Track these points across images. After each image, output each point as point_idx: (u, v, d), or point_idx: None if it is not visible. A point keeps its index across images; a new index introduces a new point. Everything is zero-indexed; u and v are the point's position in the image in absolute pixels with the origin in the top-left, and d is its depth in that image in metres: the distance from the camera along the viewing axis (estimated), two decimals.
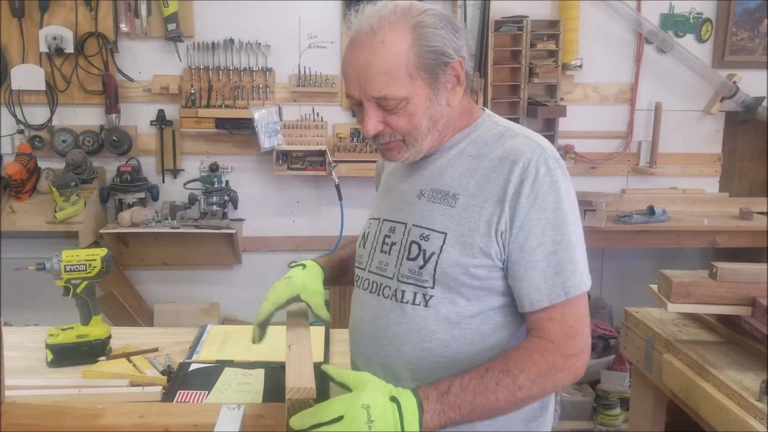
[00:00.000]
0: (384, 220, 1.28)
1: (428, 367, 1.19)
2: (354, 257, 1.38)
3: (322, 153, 3.35)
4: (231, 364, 1.62)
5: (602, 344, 3.27)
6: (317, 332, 1.79)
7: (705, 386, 1.57)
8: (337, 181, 3.33)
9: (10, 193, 3.22)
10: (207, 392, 1.47)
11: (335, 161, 3.37)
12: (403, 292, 1.20)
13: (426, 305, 1.18)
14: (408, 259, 1.20)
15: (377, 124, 1.17)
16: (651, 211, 3.32)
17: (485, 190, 1.16)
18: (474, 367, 1.10)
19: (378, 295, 1.24)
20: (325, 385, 1.49)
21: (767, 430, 1.37)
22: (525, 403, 1.13)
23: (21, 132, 3.36)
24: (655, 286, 1.80)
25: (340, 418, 1.00)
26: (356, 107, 1.21)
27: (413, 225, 1.21)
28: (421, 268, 1.18)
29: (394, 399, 1.03)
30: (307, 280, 1.34)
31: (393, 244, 1.24)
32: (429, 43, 1.14)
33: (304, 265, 1.37)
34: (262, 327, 1.34)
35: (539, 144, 1.17)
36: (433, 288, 1.17)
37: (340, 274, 1.45)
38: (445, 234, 1.17)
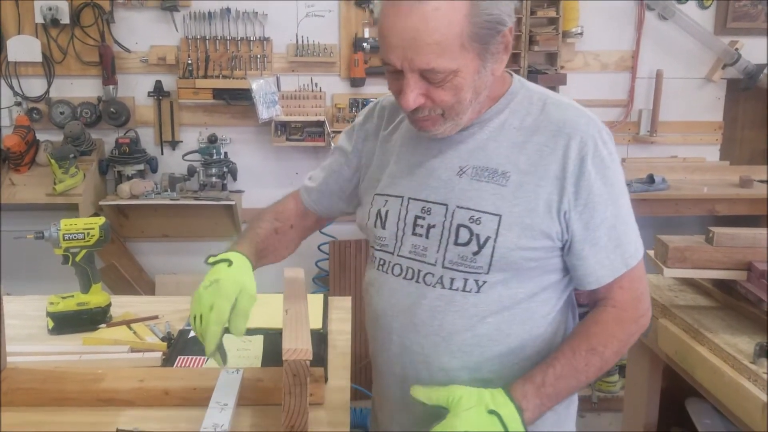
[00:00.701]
0: (411, 198, 1.16)
1: (478, 353, 1.13)
2: (269, 234, 1.31)
3: (321, 124, 3.34)
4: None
5: None
6: (316, 300, 1.80)
7: (700, 350, 1.58)
8: None
9: (9, 165, 3.22)
10: (206, 358, 1.48)
11: (334, 132, 3.35)
12: (452, 279, 1.12)
13: (478, 291, 1.11)
14: (456, 244, 1.11)
15: (418, 98, 1.06)
16: (651, 179, 3.32)
17: (540, 166, 1.09)
18: (559, 351, 1.10)
19: (417, 282, 1.15)
20: (322, 350, 1.51)
21: (761, 392, 1.38)
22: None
23: (18, 104, 3.34)
24: (652, 252, 1.80)
25: None
26: (391, 74, 1.08)
27: (457, 206, 1.12)
28: (474, 254, 1.10)
29: (492, 412, 1.01)
30: (239, 278, 1.14)
31: (431, 226, 1.14)
32: (486, 10, 1.01)
33: (229, 261, 1.17)
34: (220, 350, 1.17)
35: (590, 116, 1.13)
36: (487, 274, 1.10)
37: (260, 260, 1.29)
38: (500, 216, 1.09)
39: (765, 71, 3.47)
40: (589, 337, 1.12)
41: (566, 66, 3.49)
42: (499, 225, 1.09)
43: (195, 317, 1.13)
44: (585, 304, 1.22)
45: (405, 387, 1.13)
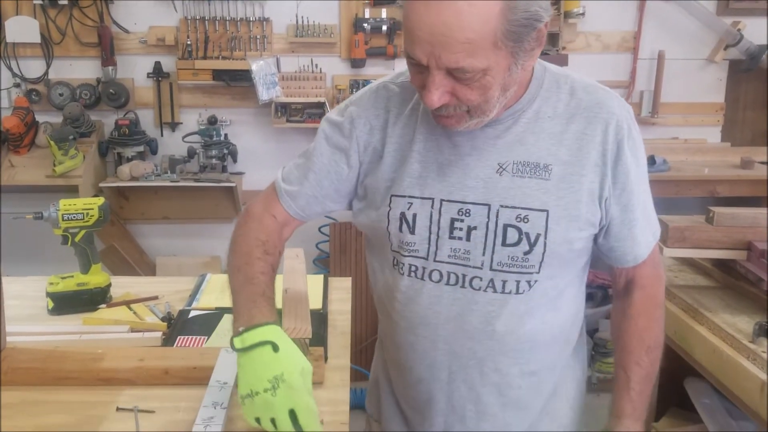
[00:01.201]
0: (443, 200, 1.10)
1: (528, 348, 1.14)
2: (273, 278, 1.15)
3: (321, 105, 3.32)
4: (230, 311, 1.63)
5: (601, 294, 3.30)
6: (316, 280, 1.80)
7: (699, 329, 1.58)
8: None
9: (8, 147, 3.22)
10: (206, 338, 1.49)
11: None
12: (503, 282, 1.09)
13: (530, 290, 1.10)
14: (504, 245, 1.07)
15: (444, 95, 0.99)
16: (651, 160, 3.30)
17: (581, 156, 1.07)
18: (628, 370, 1.18)
19: (463, 287, 1.11)
20: (322, 330, 1.51)
21: (760, 371, 1.39)
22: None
23: (17, 86, 3.33)
24: None
25: None
26: (414, 67, 1.01)
27: (501, 206, 1.07)
28: (526, 253, 1.07)
29: None
30: (297, 361, 1.01)
31: (472, 228, 1.08)
32: (523, 7, 0.93)
33: (275, 346, 0.99)
34: None
35: (617, 96, 1.13)
36: (538, 273, 1.08)
37: None
38: (547, 211, 1.06)
39: (767, 52, 3.44)
40: (642, 339, 1.19)
41: (568, 47, 3.46)
42: (547, 221, 1.06)
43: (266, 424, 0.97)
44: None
45: (453, 394, 1.17)
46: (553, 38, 3.40)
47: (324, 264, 3.49)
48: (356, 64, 3.37)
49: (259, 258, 1.14)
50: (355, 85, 3.40)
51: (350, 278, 1.91)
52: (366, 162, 1.17)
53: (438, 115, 1.04)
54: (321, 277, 1.86)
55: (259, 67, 3.25)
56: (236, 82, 3.30)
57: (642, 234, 1.14)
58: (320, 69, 3.40)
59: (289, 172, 1.23)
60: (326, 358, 1.40)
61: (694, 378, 1.90)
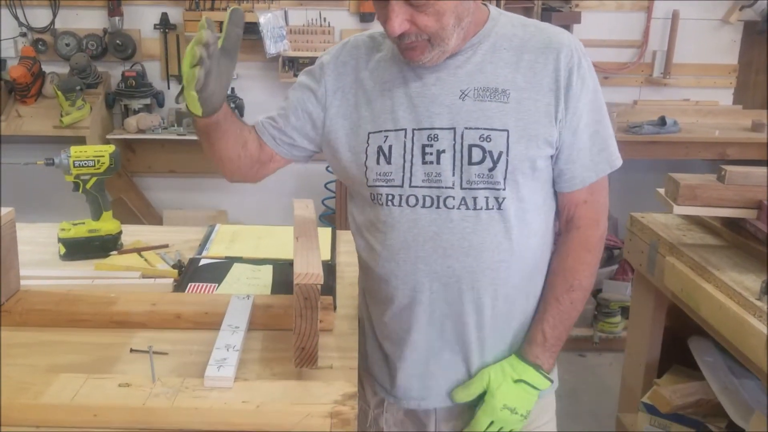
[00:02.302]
0: (415, 129, 1.18)
1: (504, 269, 1.19)
2: (236, 131, 1.28)
3: None
4: (240, 260, 1.65)
5: (606, 254, 3.31)
6: (324, 233, 1.81)
7: (706, 287, 1.58)
8: None
9: (15, 96, 3.20)
10: (217, 285, 1.50)
11: None
12: (474, 198, 1.16)
13: (499, 208, 1.16)
14: (471, 164, 1.15)
15: (403, 23, 1.09)
16: (662, 121, 3.28)
17: (535, 81, 1.16)
18: (546, 303, 1.25)
19: (438, 207, 1.17)
20: (330, 281, 1.53)
21: (765, 327, 1.39)
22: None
23: (24, 35, 3.31)
24: (662, 190, 1.79)
25: (492, 423, 1.21)
26: (378, 2, 1.13)
27: (465, 128, 1.16)
28: (491, 170, 1.15)
29: (519, 381, 1.21)
30: None
31: (441, 152, 1.16)
32: None
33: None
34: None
35: (567, 32, 1.21)
36: (504, 189, 1.16)
37: (225, 121, 1.25)
38: (507, 131, 1.15)
39: None
40: (566, 277, 1.24)
41: (581, 4, 3.42)
42: (508, 139, 1.15)
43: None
44: None
45: (435, 313, 1.22)
46: None
47: (330, 220, 3.50)
48: (365, 18, 3.33)
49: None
50: None
51: None
52: (335, 105, 1.26)
53: (404, 49, 1.14)
54: (329, 230, 1.87)
55: (267, 19, 3.21)
56: (244, 35, 3.24)
57: (591, 159, 1.21)
58: (328, 23, 3.36)
59: (269, 113, 1.37)
60: (335, 307, 1.41)
61: (697, 336, 1.91)
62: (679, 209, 1.68)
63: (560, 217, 1.28)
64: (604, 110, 1.23)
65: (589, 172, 1.22)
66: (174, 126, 3.30)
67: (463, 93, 1.17)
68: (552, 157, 1.20)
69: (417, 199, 1.18)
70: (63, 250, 1.62)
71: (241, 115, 3.39)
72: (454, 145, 1.16)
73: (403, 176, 1.19)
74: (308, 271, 1.09)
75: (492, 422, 1.21)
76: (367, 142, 1.21)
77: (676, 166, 3.55)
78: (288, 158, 1.37)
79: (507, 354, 1.26)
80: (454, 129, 1.16)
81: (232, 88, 3.36)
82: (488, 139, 1.14)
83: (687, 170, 3.66)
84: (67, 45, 3.29)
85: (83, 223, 1.65)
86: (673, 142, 3.28)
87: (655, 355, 2.01)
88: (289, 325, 1.28)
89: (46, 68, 3.30)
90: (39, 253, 1.66)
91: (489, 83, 1.16)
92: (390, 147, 1.19)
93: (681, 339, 1.97)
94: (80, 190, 1.63)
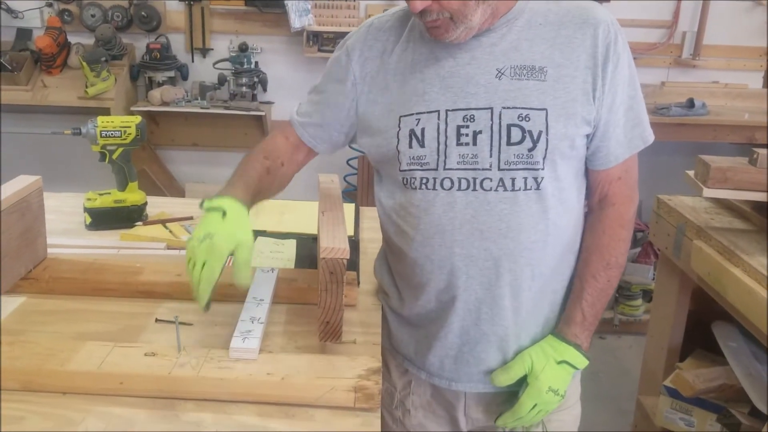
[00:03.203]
0: (448, 110, 1.15)
1: (540, 249, 1.17)
2: (261, 175, 1.24)
3: None
4: (264, 233, 1.65)
5: None
6: (348, 208, 1.80)
7: (734, 271, 1.56)
8: None
9: (41, 67, 3.22)
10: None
11: None
12: (512, 179, 1.13)
13: (537, 188, 1.14)
14: (509, 144, 1.12)
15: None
16: (690, 103, 3.23)
17: (572, 58, 1.14)
18: (584, 281, 1.23)
19: (474, 190, 1.14)
20: (354, 256, 1.52)
21: None
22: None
23: (50, 5, 3.31)
24: (691, 172, 1.76)
25: (535, 405, 1.20)
26: None
27: (503, 108, 1.12)
28: (530, 150, 1.12)
29: (561, 362, 1.20)
30: (234, 233, 1.07)
31: (478, 132, 1.13)
32: None
33: (222, 211, 1.09)
34: (207, 307, 1.08)
35: (603, 7, 1.18)
36: (543, 169, 1.13)
37: (254, 203, 1.21)
38: (546, 110, 1.12)
39: None
40: (602, 254, 1.23)
41: None
42: (547, 118, 1.12)
43: (189, 265, 1.07)
44: None
45: (471, 297, 1.19)
46: None
47: (351, 197, 3.50)
48: None
49: (256, 159, 1.27)
50: None
51: None
52: (365, 92, 1.24)
53: (428, 27, 1.12)
54: (353, 206, 1.86)
55: None
56: (269, 9, 3.25)
57: (625, 135, 1.19)
58: None
59: (302, 106, 1.35)
60: (359, 283, 1.41)
61: (721, 321, 1.89)
62: (709, 192, 1.65)
63: (592, 194, 1.25)
64: (637, 85, 1.21)
65: (623, 148, 1.20)
66: (197, 99, 3.30)
67: (499, 72, 1.13)
68: (588, 135, 1.17)
69: (452, 182, 1.15)
70: (89, 220, 1.63)
71: (264, 89, 3.38)
72: (492, 125, 1.12)
73: (438, 159, 1.15)
74: (335, 246, 1.09)
75: (535, 404, 1.20)
76: (399, 126, 1.18)
77: (704, 149, 3.48)
78: (329, 153, 1.35)
79: (541, 335, 1.24)
80: (491, 109, 1.13)
81: (256, 62, 3.35)
82: (527, 119, 1.11)
83: (715, 153, 3.61)
84: (93, 16, 3.29)
85: (109, 193, 1.66)
86: (701, 125, 3.22)
87: (678, 338, 1.99)
88: (312, 299, 1.28)
89: (72, 39, 3.31)
90: (65, 223, 1.67)
91: (525, 61, 1.13)
92: (423, 130, 1.16)
93: (704, 324, 1.95)
94: (106, 160, 1.64)
